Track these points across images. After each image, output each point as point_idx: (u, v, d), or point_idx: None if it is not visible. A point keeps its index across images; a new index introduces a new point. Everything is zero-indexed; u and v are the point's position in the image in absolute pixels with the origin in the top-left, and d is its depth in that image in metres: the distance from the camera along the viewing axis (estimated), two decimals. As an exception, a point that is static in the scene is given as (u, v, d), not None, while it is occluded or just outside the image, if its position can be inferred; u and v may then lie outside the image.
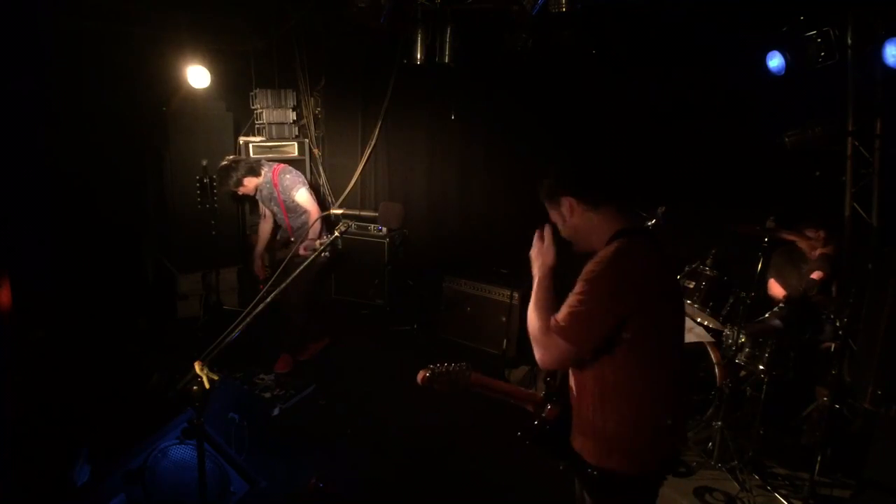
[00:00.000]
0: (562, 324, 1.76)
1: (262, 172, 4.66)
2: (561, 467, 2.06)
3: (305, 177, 4.98)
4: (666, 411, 1.86)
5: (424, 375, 2.13)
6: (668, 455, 1.98)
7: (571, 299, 1.78)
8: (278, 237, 5.01)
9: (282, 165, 4.76)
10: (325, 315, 5.15)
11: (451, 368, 2.12)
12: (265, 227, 4.95)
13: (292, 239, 4.75)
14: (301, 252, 4.38)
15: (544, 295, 1.90)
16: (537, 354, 1.83)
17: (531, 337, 1.86)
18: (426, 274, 5.89)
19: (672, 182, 4.98)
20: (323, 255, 4.68)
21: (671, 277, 2.03)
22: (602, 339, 1.77)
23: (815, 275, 4.01)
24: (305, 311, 4.83)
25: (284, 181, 4.63)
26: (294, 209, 4.71)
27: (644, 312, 1.77)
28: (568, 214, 1.95)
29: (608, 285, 1.76)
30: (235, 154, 5.49)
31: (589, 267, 1.81)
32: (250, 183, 4.62)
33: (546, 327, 1.79)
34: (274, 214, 4.87)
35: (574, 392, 1.97)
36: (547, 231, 1.99)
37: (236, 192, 4.70)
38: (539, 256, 1.98)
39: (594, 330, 1.76)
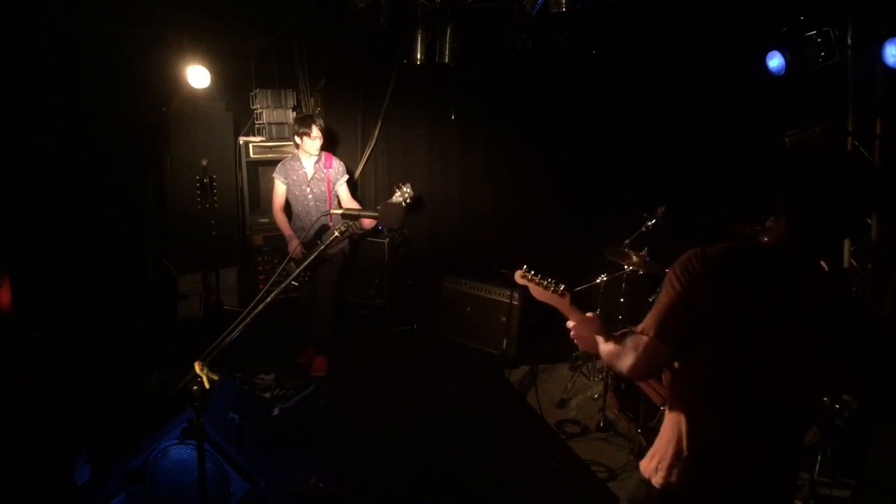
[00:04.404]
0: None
1: (319, 145, 4.66)
2: None
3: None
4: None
5: (523, 275, 2.06)
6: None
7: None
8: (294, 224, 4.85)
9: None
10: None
11: (548, 284, 2.00)
12: (282, 216, 4.79)
13: (330, 224, 4.65)
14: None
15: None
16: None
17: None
18: (426, 274, 5.89)
19: (672, 182, 4.99)
20: (341, 249, 4.79)
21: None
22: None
23: None
24: (335, 307, 4.93)
25: (338, 165, 4.78)
26: (334, 194, 4.77)
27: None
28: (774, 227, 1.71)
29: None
30: (236, 155, 5.50)
31: None
32: (317, 138, 4.59)
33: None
34: (303, 197, 4.71)
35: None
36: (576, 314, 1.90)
37: (297, 139, 4.63)
38: (582, 333, 1.88)
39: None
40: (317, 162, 4.71)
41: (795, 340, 1.58)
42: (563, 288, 1.93)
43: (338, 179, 4.79)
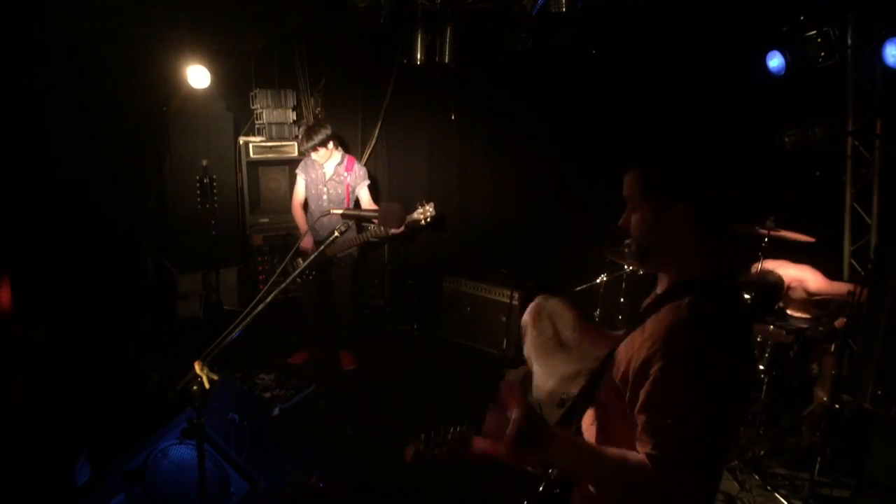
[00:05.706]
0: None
1: (327, 157, 4.71)
2: None
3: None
4: None
5: (415, 451, 1.55)
6: None
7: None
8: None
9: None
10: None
11: (448, 436, 1.56)
12: (300, 212, 4.91)
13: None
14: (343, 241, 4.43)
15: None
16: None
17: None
18: (426, 274, 5.89)
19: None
20: (349, 254, 4.82)
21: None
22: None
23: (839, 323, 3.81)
24: (354, 308, 5.02)
25: (360, 170, 4.79)
26: (353, 198, 4.81)
27: None
28: (670, 228, 1.44)
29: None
30: (236, 155, 5.50)
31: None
32: (332, 149, 4.66)
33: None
34: (318, 196, 4.77)
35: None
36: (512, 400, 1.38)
37: (309, 151, 4.68)
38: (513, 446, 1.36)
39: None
40: (338, 164, 4.74)
41: None
42: (464, 430, 1.53)
43: (358, 184, 4.79)
